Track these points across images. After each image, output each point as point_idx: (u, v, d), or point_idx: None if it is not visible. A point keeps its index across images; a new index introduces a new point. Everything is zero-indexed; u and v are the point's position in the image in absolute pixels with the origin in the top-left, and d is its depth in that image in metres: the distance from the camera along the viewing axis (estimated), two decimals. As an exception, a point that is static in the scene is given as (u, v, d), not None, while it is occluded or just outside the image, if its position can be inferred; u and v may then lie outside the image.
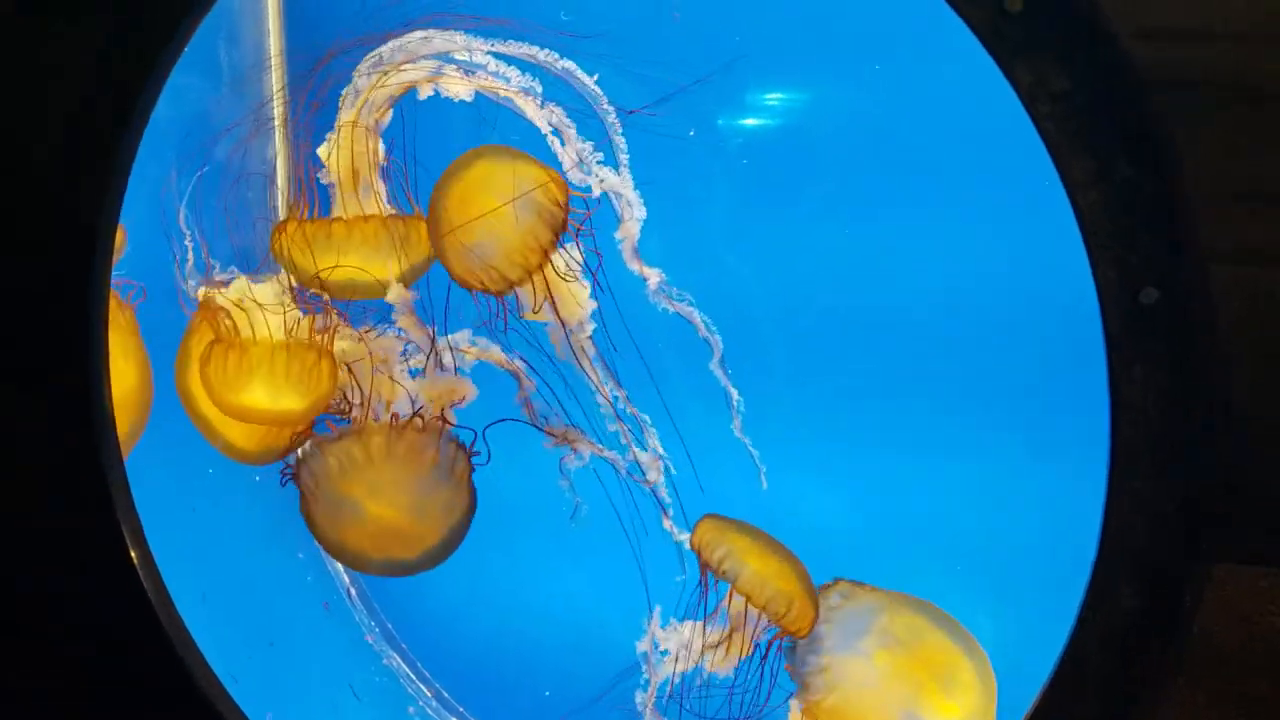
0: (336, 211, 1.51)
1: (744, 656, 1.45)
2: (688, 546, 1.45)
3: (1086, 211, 0.92)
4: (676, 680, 1.49)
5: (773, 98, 1.75)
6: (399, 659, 1.90)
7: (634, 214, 1.47)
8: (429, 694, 1.89)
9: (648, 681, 1.50)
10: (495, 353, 1.52)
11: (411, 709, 1.85)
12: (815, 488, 1.49)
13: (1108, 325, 0.94)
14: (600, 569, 1.70)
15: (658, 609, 1.49)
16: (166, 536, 1.37)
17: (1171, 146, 0.92)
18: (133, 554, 1.30)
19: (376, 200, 1.52)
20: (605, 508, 1.52)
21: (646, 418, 1.48)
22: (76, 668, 1.36)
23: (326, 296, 1.50)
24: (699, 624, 1.50)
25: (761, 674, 1.43)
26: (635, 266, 1.46)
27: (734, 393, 1.46)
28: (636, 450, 1.49)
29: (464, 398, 1.49)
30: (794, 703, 1.39)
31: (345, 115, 1.49)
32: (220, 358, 1.45)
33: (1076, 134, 0.92)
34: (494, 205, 1.41)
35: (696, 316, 1.46)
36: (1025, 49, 0.92)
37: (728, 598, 1.45)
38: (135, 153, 1.25)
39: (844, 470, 1.54)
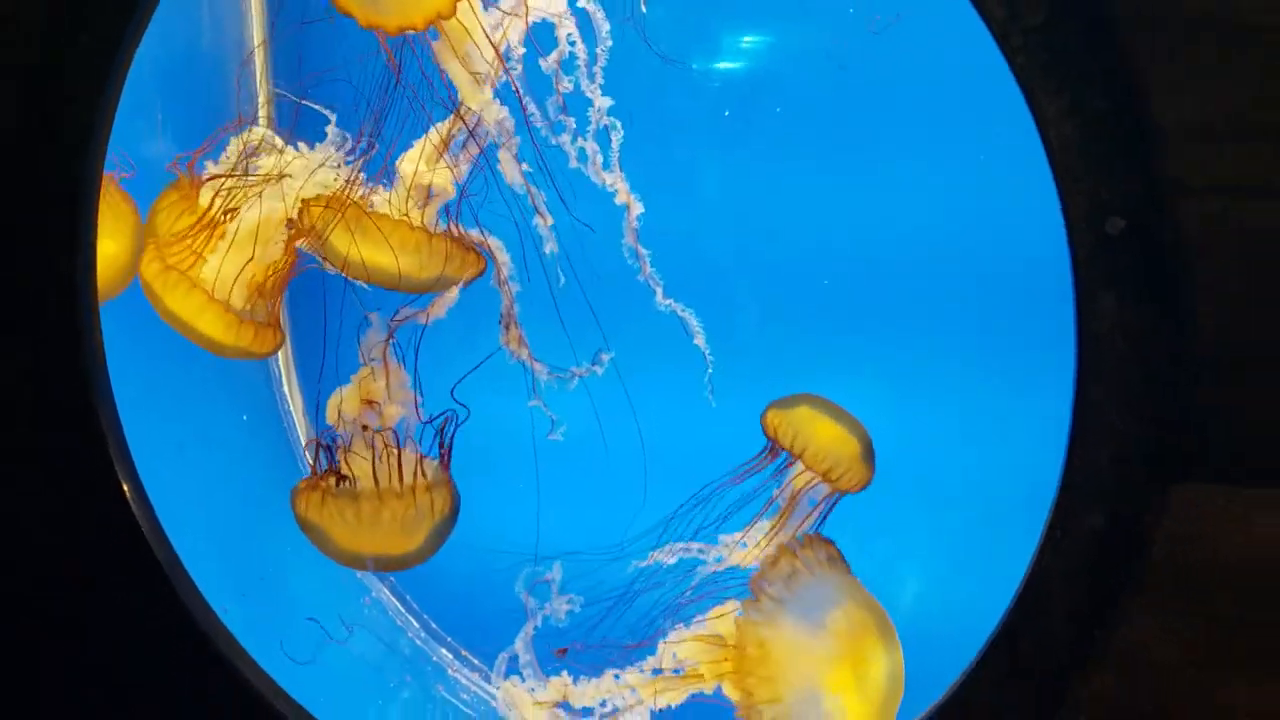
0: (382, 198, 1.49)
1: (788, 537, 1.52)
2: (765, 432, 1.50)
3: (1057, 145, 0.95)
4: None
5: (747, 40, 1.76)
6: (387, 590, 1.94)
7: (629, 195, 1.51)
8: (417, 625, 1.94)
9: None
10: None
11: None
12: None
13: (1075, 255, 0.96)
14: (586, 494, 1.75)
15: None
16: (155, 472, 1.39)
17: (1143, 81, 0.94)
18: (125, 488, 1.32)
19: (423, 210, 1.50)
20: (588, 432, 1.57)
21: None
22: (71, 606, 1.40)
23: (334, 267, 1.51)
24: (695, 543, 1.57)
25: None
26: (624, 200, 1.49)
27: (694, 323, 1.51)
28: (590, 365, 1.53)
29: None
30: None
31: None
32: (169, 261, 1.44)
33: (1049, 68, 0.94)
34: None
35: (647, 262, 1.49)
36: (998, -17, 0.94)
37: (792, 474, 1.52)
38: (118, 99, 1.26)
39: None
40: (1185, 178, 0.94)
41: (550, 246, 1.47)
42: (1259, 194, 0.92)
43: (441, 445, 1.55)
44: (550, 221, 1.47)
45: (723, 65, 1.78)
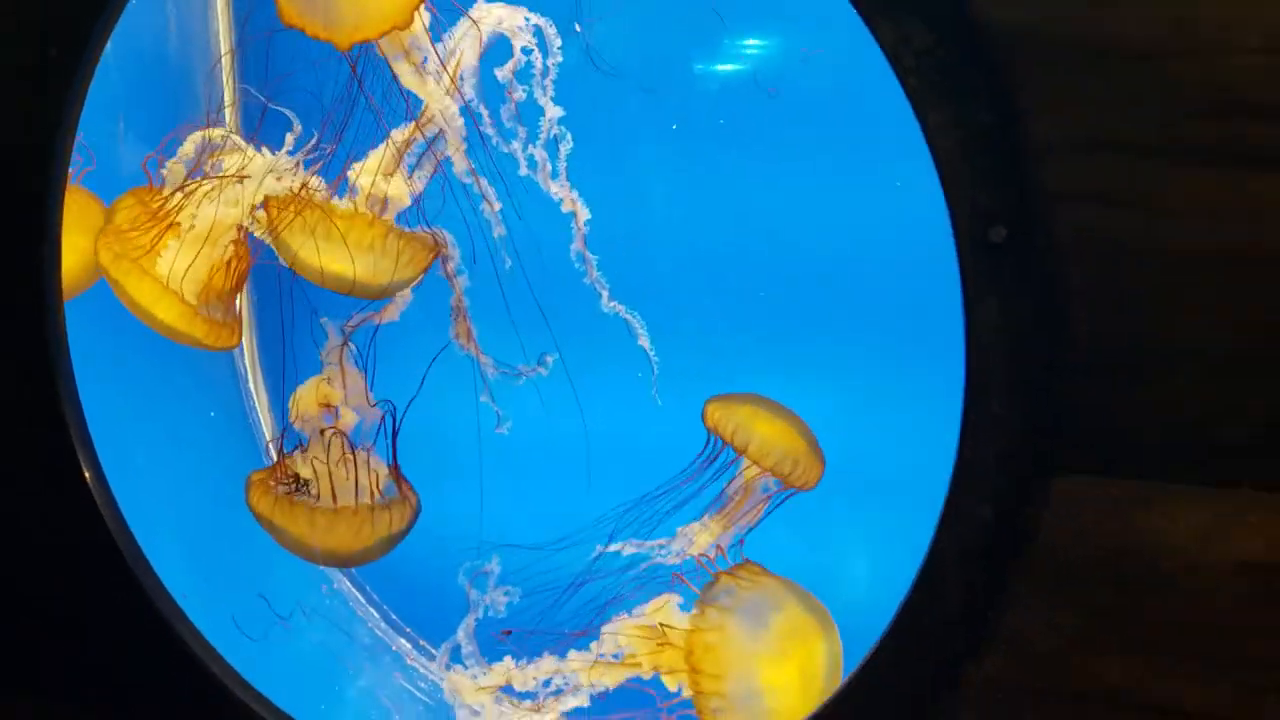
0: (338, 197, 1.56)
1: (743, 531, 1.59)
2: (706, 426, 1.57)
3: (944, 157, 1.01)
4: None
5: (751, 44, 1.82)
6: (347, 582, 2.01)
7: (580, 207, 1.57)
8: (377, 615, 2.00)
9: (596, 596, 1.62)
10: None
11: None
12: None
13: (962, 262, 1.03)
14: (537, 487, 1.82)
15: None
16: (123, 466, 1.45)
17: (1023, 98, 1.00)
18: (86, 474, 1.39)
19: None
20: (538, 427, 1.63)
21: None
22: (37, 603, 1.46)
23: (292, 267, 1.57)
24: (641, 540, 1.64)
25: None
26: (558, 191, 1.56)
27: (637, 323, 1.57)
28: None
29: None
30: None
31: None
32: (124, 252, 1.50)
33: (936, 86, 1.01)
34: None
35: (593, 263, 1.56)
36: (888, 7, 1.01)
37: (740, 472, 1.60)
38: (82, 102, 1.33)
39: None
40: (1062, 189, 1.00)
41: (499, 231, 1.54)
42: (1130, 205, 0.99)
43: (394, 450, 1.61)
44: (498, 207, 1.53)
45: (721, 68, 1.83)
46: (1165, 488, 1.02)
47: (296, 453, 1.61)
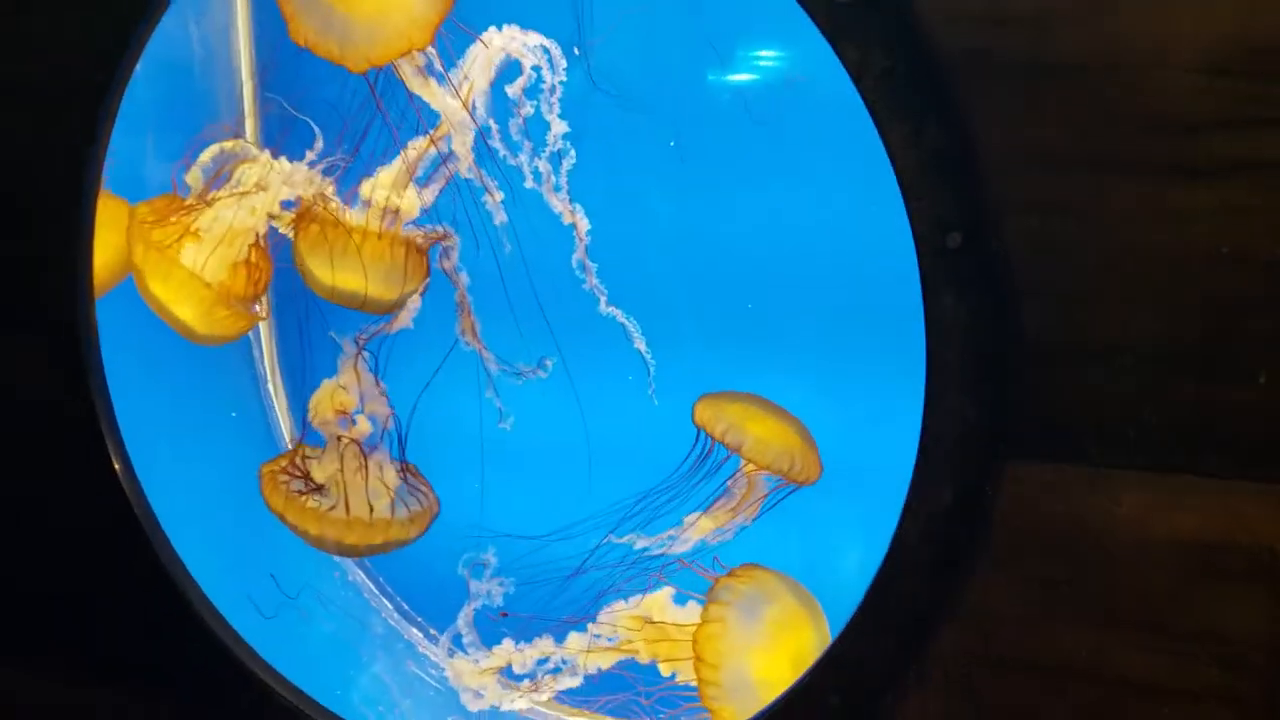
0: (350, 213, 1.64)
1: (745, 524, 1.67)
2: (694, 423, 1.64)
3: (904, 170, 1.10)
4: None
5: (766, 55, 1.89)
6: (362, 574, 2.09)
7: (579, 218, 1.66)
8: (390, 606, 2.09)
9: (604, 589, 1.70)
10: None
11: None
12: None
13: (922, 266, 1.12)
14: (539, 481, 1.90)
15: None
16: (151, 464, 1.54)
17: (973, 115, 1.09)
18: (115, 465, 1.48)
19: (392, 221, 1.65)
20: (540, 423, 1.72)
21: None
22: (63, 576, 1.55)
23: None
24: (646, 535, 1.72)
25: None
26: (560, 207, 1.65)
27: (633, 327, 1.66)
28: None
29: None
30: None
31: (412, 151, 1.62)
32: (151, 242, 1.58)
33: (895, 104, 1.10)
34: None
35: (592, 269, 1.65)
36: (851, 31, 1.10)
37: (740, 469, 1.67)
38: (111, 127, 1.43)
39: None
40: (1009, 197, 1.09)
41: (500, 219, 1.62)
42: (1072, 212, 1.08)
43: (403, 452, 1.69)
44: (499, 197, 1.62)
45: (735, 78, 1.90)
46: (1110, 472, 1.10)
47: (312, 460, 1.68)
